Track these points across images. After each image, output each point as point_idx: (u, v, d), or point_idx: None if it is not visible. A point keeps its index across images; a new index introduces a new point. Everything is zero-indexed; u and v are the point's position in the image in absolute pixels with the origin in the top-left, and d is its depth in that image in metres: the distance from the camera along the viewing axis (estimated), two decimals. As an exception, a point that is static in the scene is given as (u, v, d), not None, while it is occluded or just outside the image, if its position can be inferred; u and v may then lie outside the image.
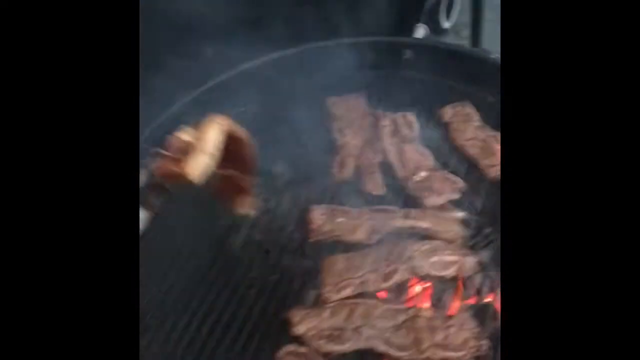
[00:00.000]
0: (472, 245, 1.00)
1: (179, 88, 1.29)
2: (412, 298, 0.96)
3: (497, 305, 0.94)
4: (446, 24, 2.02)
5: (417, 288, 0.97)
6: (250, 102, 1.31)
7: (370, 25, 1.30)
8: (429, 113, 1.22)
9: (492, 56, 1.20)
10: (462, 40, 2.20)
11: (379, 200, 1.10)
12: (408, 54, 1.26)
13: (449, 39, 2.19)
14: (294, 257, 1.02)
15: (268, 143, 1.20)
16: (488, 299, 0.97)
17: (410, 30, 1.40)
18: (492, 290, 0.97)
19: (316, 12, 1.28)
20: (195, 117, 0.97)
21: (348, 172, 1.15)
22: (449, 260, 0.96)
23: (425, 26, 1.40)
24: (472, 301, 0.96)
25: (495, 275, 0.98)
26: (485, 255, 1.01)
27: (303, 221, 1.06)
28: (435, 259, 0.96)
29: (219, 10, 1.20)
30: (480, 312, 0.93)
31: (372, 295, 0.95)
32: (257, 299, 0.97)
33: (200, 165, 0.79)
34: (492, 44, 2.05)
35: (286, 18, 1.26)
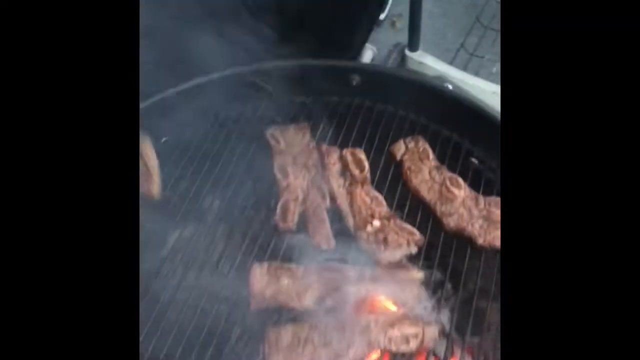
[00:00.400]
0: (432, 308, 0.91)
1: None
2: (368, 377, 0.86)
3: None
4: (380, 15, 1.90)
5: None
6: (179, 129, 1.15)
7: (313, 47, 1.16)
8: (380, 148, 1.10)
9: (448, 86, 1.09)
10: (398, 33, 2.09)
11: (328, 255, 0.98)
12: (355, 79, 1.13)
13: (383, 32, 2.08)
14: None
15: (200, 181, 1.08)
16: (451, 369, 0.88)
17: (357, 52, 1.27)
18: (453, 355, 0.90)
19: (254, 31, 1.12)
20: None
21: (292, 220, 1.02)
22: (410, 333, 0.86)
23: (373, 48, 1.27)
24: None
25: (456, 339, 0.90)
26: (445, 317, 0.93)
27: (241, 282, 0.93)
28: (394, 331, 0.86)
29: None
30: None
31: (324, 376, 0.84)
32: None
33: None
34: (430, 37, 1.97)
35: (219, 39, 1.10)
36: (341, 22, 1.13)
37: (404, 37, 1.91)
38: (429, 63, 1.90)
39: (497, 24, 1.95)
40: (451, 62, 1.95)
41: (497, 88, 1.85)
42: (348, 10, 1.16)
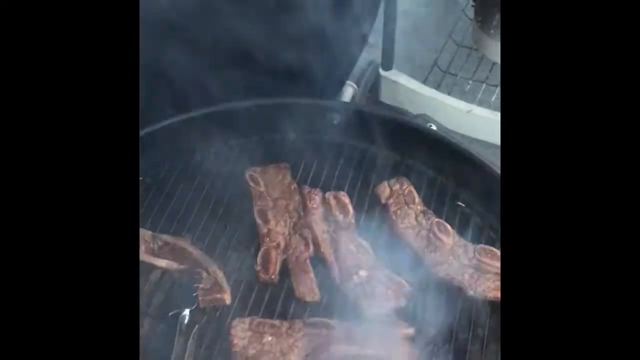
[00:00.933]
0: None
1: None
2: None
3: None
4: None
5: None
6: (154, 170, 1.09)
7: (292, 86, 1.11)
8: (364, 191, 1.07)
9: (431, 126, 1.06)
10: (372, 50, 2.06)
11: (313, 308, 0.94)
12: (336, 119, 1.09)
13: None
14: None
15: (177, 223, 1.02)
16: None
17: (337, 90, 1.23)
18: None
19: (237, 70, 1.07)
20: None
21: (274, 271, 0.97)
22: (402, 397, 0.83)
23: (353, 85, 1.24)
24: None
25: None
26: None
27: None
28: (386, 395, 0.83)
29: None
30: None
31: None
32: None
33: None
34: (403, 55, 1.94)
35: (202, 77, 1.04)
36: (321, 65, 1.09)
37: (376, 53, 1.88)
38: (403, 82, 1.88)
39: (469, 42, 1.93)
40: (424, 81, 1.93)
41: (470, 107, 1.83)
42: (329, 52, 1.12)
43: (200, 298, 0.93)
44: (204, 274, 0.95)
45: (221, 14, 1.02)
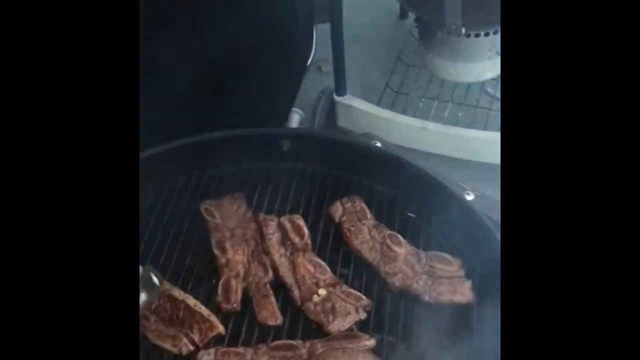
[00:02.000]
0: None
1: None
2: None
3: None
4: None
5: None
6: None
7: (237, 114, 1.15)
8: (317, 212, 1.10)
9: (376, 143, 1.11)
10: (325, 76, 2.12)
11: (276, 332, 0.95)
12: (286, 145, 1.13)
13: (311, 78, 2.10)
14: None
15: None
16: None
17: (284, 117, 1.28)
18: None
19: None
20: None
21: (236, 300, 0.99)
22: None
23: (299, 111, 1.28)
24: None
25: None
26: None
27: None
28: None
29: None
30: None
31: None
32: None
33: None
34: (355, 79, 2.00)
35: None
36: (263, 97, 1.13)
37: (331, 81, 1.94)
38: (357, 105, 1.93)
39: (417, 61, 2.00)
40: (378, 102, 1.99)
41: (424, 123, 1.89)
42: (269, 86, 1.16)
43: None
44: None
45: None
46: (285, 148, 1.14)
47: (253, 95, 1.12)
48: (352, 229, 1.06)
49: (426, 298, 0.96)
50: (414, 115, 1.94)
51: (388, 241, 1.03)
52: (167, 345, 0.94)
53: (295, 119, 1.29)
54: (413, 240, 1.03)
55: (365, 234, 1.05)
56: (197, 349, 0.92)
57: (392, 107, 1.99)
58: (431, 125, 1.89)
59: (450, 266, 0.99)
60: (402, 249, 1.01)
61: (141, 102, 0.97)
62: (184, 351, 0.92)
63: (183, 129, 1.09)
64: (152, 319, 0.96)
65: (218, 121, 1.13)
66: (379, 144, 1.09)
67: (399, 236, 1.03)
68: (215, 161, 1.16)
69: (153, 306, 0.97)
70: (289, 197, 1.12)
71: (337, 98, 1.93)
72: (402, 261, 1.00)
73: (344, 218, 1.07)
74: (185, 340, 0.93)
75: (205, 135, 1.16)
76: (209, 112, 1.12)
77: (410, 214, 1.07)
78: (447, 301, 0.95)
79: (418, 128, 1.89)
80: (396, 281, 0.99)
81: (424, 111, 1.99)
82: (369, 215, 1.07)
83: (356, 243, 1.04)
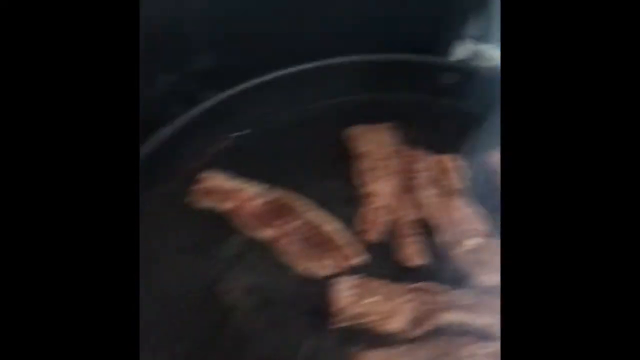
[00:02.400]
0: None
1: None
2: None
3: None
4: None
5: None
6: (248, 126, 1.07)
7: (398, 40, 1.05)
8: (478, 157, 0.99)
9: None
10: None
11: (419, 272, 0.88)
12: (450, 78, 1.02)
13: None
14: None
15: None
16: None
17: (450, 47, 1.15)
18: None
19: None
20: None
21: (378, 232, 0.92)
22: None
23: (470, 43, 1.15)
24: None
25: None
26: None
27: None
28: (498, 368, 0.75)
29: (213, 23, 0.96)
30: None
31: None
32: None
33: None
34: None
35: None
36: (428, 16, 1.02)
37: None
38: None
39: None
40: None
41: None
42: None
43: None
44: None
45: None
46: (448, 82, 1.03)
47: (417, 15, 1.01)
48: (515, 180, 0.94)
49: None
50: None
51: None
52: (304, 266, 0.89)
53: (465, 52, 1.15)
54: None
55: (531, 188, 0.93)
56: (334, 275, 0.87)
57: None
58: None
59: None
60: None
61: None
62: (321, 273, 0.87)
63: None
64: (291, 238, 0.92)
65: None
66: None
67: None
68: (367, 88, 1.08)
69: (292, 225, 0.92)
70: (447, 138, 1.02)
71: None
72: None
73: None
74: (323, 262, 0.87)
75: (347, 59, 1.07)
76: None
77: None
78: None
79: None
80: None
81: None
82: (537, 168, 0.95)
83: (518, 196, 0.93)
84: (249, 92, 1.04)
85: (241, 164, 1.00)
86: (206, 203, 0.96)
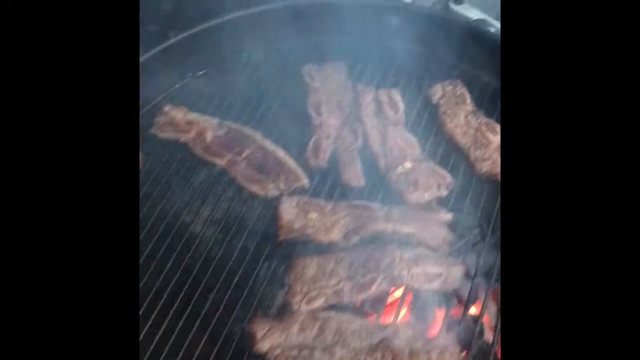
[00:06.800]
0: (458, 250, 0.90)
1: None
2: (390, 312, 0.86)
3: (484, 319, 0.86)
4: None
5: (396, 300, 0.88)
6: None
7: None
8: (416, 91, 1.08)
9: (492, 29, 1.06)
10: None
11: (357, 192, 0.98)
12: (395, 20, 1.11)
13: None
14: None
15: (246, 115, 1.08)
16: (473, 311, 0.88)
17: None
18: (477, 299, 0.89)
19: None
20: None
21: (324, 157, 1.02)
22: (434, 272, 0.86)
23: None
24: (456, 315, 0.87)
25: (481, 283, 0.89)
26: (471, 261, 0.92)
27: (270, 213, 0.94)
28: (418, 269, 0.86)
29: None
30: (466, 330, 0.84)
31: (345, 308, 0.85)
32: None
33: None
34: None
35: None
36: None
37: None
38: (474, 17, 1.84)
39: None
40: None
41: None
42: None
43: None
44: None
45: None
46: (393, 23, 1.12)
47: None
48: (448, 111, 1.04)
49: (513, 187, 0.94)
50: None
51: (484, 128, 1.00)
52: (255, 188, 0.99)
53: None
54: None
55: (461, 118, 1.03)
56: (281, 195, 0.97)
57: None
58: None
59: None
60: (497, 137, 0.99)
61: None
62: (270, 195, 0.97)
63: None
64: (243, 164, 1.02)
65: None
66: (493, 30, 1.04)
67: (497, 125, 1.00)
68: (320, 29, 1.16)
69: (245, 153, 1.02)
70: (390, 74, 1.11)
71: (453, 6, 1.82)
72: (495, 149, 0.98)
73: (442, 100, 1.06)
74: (271, 185, 0.98)
75: (306, 1, 1.15)
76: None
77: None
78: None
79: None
80: (484, 167, 0.97)
81: None
82: (468, 100, 1.05)
83: (450, 125, 1.02)
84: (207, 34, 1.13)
85: (199, 100, 1.10)
86: (169, 134, 1.06)
